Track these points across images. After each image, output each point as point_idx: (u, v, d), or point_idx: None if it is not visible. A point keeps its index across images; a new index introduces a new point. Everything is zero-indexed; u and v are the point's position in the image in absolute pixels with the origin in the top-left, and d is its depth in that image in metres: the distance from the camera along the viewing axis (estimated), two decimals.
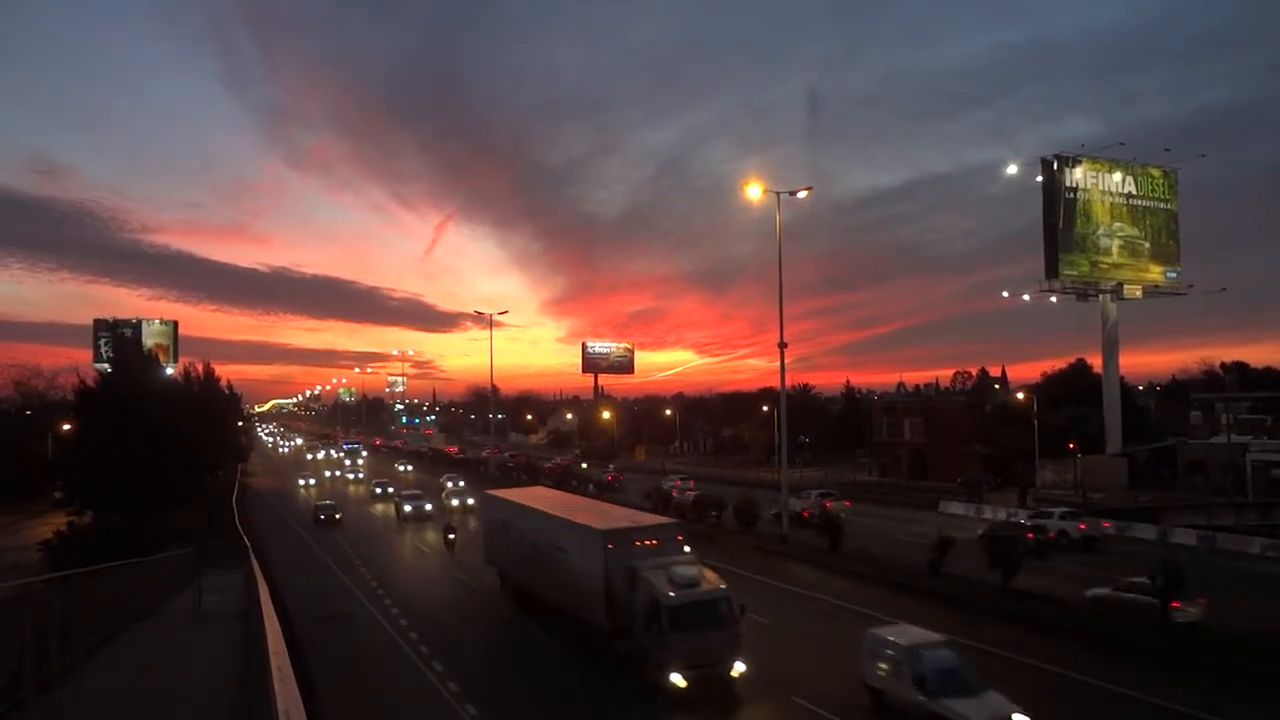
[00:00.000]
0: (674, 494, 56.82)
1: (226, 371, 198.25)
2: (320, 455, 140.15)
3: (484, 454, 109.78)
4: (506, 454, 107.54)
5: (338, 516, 55.30)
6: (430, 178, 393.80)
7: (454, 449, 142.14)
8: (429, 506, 55.88)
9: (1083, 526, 43.85)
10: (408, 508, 55.78)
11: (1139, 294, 73.18)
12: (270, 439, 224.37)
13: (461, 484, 66.36)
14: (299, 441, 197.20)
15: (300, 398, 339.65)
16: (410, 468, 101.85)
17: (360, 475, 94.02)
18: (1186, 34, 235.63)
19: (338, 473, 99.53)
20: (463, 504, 59.01)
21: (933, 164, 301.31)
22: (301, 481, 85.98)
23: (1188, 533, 44.33)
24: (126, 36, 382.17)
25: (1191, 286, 74.93)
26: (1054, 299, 72.81)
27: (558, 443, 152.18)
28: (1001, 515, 52.99)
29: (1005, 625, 26.65)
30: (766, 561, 38.72)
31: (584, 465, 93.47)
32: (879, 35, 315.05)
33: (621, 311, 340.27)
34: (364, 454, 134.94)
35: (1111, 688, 20.89)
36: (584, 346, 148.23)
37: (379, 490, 71.25)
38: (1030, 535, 40.24)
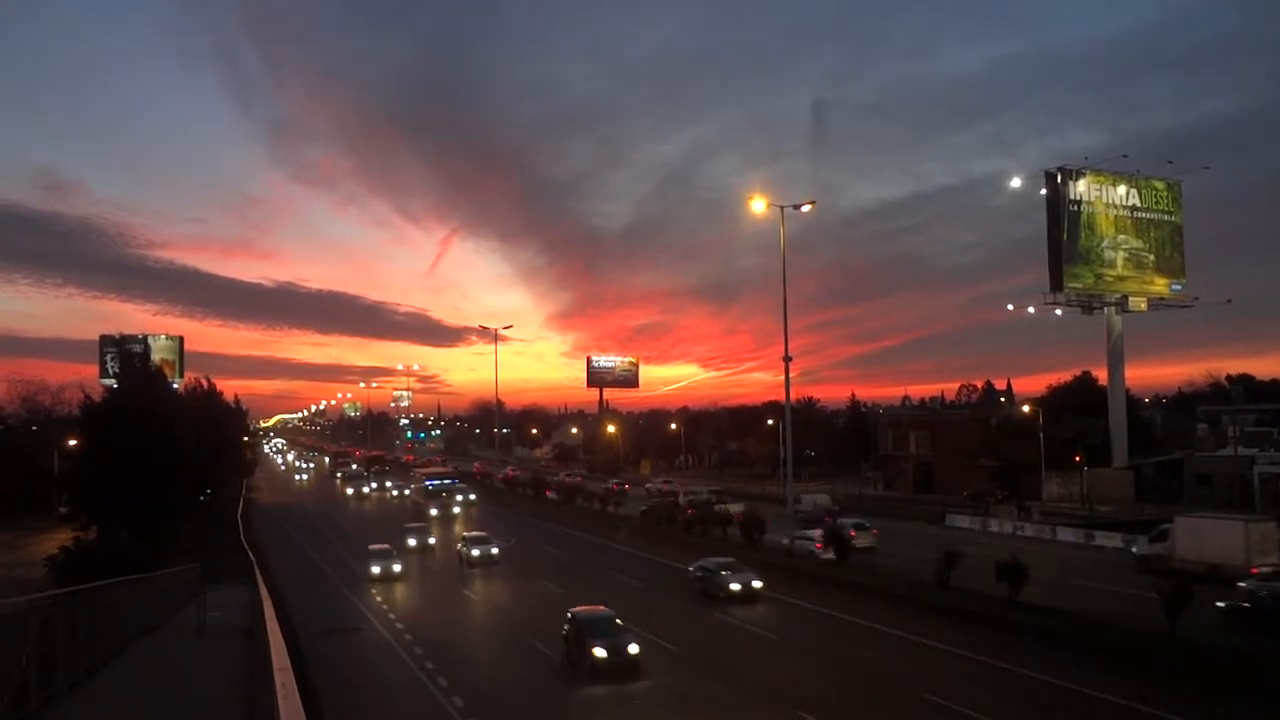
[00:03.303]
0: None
1: (232, 386, 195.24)
2: (368, 489, 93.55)
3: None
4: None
5: None
6: (435, 192, 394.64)
7: (411, 458, 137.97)
8: None
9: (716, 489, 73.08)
10: None
11: (1144, 306, 73.13)
12: (279, 456, 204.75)
13: None
14: (326, 461, 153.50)
15: (306, 413, 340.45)
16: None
17: (491, 548, 43.98)
18: (1190, 43, 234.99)
19: (430, 540, 50.32)
20: None
21: (937, 176, 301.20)
22: (376, 569, 40.59)
23: None
24: (131, 52, 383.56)
25: (1197, 299, 74.98)
26: (1059, 311, 72.82)
27: (562, 457, 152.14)
28: (1008, 528, 53.68)
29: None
30: (770, 576, 38.59)
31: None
32: (883, 47, 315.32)
33: (626, 325, 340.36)
34: (470, 496, 78.31)
35: None
36: (589, 360, 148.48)
37: (604, 650, 23.03)
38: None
